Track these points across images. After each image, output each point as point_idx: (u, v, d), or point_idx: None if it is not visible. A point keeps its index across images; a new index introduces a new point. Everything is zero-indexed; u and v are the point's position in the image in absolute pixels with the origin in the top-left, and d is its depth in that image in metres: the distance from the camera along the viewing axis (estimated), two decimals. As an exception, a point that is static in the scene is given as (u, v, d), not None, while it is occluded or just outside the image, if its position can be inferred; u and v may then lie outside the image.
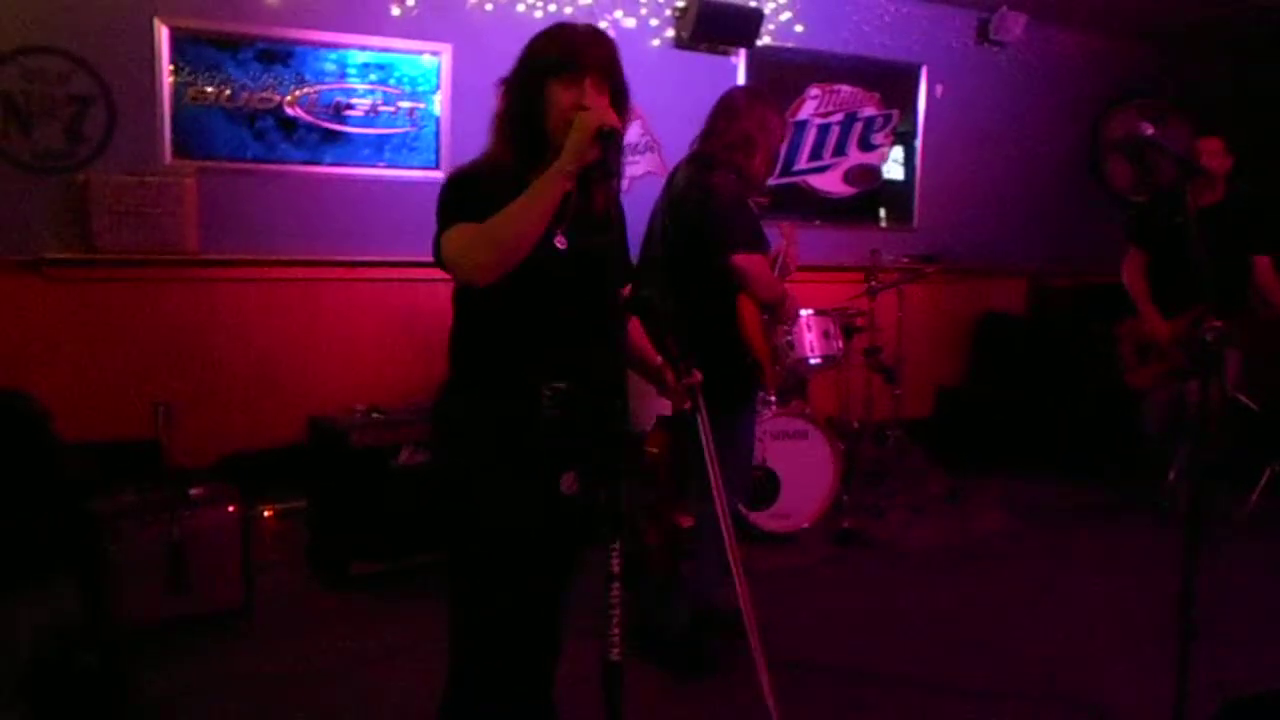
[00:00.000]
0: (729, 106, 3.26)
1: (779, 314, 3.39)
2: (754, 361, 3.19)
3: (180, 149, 4.30)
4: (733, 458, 3.29)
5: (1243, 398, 4.56)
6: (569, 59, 1.91)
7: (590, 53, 1.93)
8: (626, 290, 2.03)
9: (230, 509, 3.45)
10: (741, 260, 3.08)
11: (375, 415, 3.97)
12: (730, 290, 3.13)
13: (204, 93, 4.34)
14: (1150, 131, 3.55)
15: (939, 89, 6.17)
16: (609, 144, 1.85)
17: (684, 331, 2.14)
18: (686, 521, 3.07)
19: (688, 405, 1.94)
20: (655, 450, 2.73)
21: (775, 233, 3.48)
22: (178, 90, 4.28)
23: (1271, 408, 4.86)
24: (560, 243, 1.93)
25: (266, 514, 4.42)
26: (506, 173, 1.92)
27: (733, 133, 3.19)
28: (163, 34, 4.21)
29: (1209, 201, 4.49)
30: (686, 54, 5.37)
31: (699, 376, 2.02)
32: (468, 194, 1.91)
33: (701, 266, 3.11)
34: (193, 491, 3.44)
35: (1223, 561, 2.77)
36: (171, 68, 4.26)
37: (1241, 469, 4.83)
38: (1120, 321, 4.85)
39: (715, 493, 1.92)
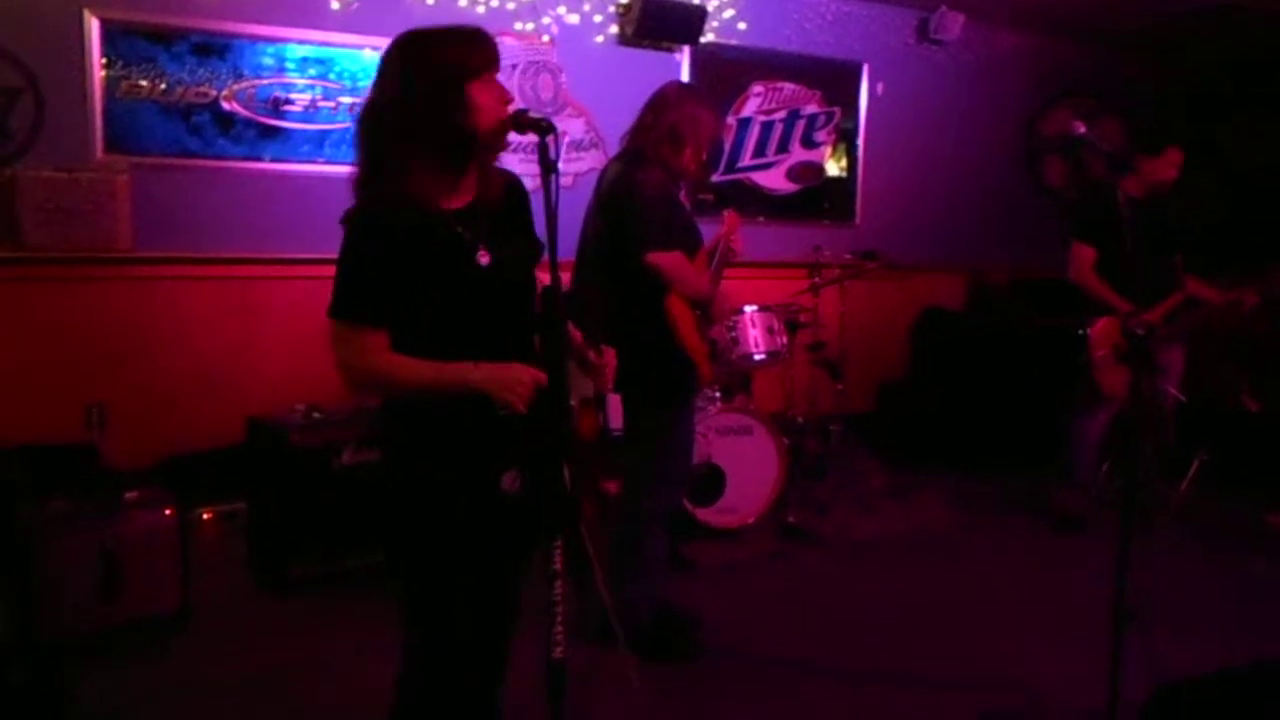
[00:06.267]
0: (659, 101, 3.23)
1: (709, 312, 3.35)
2: (688, 360, 3.16)
3: (113, 144, 4.21)
4: (670, 454, 3.30)
5: (1170, 389, 4.64)
6: (488, 60, 1.96)
7: (496, 52, 2.00)
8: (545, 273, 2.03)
9: (167, 512, 3.38)
10: (655, 258, 3.04)
11: (316, 415, 3.90)
12: (659, 288, 3.10)
13: (137, 86, 4.24)
14: (1082, 130, 3.60)
15: (880, 87, 6.25)
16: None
17: (616, 328, 2.17)
18: (613, 488, 3.09)
19: (608, 386, 2.00)
20: (582, 426, 2.75)
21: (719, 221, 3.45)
22: (110, 84, 4.18)
23: (1198, 399, 4.96)
24: (483, 258, 1.94)
25: (205, 517, 4.35)
26: (418, 210, 1.89)
27: (660, 127, 3.16)
28: (93, 25, 4.11)
29: (1138, 195, 4.51)
30: (630, 51, 5.38)
31: (611, 356, 2.07)
32: (366, 269, 1.87)
33: (629, 263, 3.08)
34: (128, 495, 3.36)
35: (1156, 552, 2.84)
36: (103, 60, 4.15)
37: (1171, 460, 4.94)
38: (1090, 322, 4.49)
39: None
